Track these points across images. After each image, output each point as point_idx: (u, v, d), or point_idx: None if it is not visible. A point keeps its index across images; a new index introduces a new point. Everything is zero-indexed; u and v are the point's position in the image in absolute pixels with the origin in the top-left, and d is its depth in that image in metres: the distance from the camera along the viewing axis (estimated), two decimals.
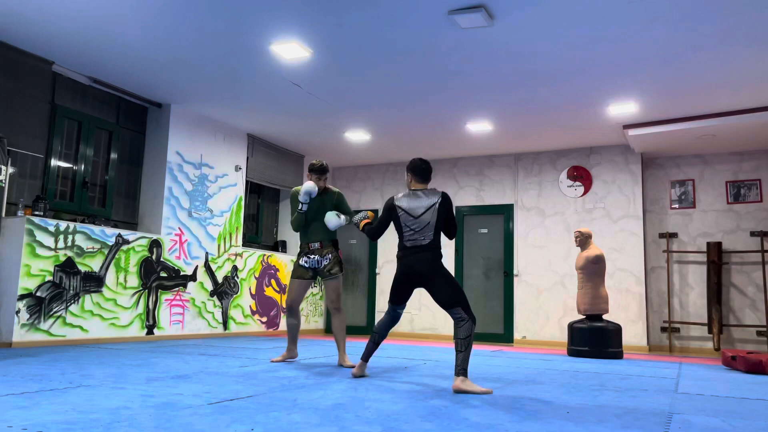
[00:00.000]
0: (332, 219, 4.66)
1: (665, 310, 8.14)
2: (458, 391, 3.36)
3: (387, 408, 2.80)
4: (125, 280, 6.37)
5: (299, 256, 4.79)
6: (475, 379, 4.09)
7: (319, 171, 4.78)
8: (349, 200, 10.04)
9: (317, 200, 4.75)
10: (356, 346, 6.89)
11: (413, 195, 3.80)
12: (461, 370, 3.42)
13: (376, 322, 4.15)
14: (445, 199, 3.75)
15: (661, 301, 8.19)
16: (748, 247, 7.87)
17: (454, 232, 3.83)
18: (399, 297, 3.82)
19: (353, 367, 4.35)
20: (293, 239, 9.34)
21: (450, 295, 3.57)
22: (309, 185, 4.67)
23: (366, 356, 3.95)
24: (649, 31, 4.91)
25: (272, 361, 4.72)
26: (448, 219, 3.77)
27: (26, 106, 5.70)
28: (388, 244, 9.56)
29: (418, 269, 3.66)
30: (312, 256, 4.71)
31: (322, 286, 4.88)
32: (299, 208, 4.70)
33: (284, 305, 4.80)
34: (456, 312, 3.55)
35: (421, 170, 3.86)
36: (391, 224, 4.57)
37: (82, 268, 5.92)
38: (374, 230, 4.04)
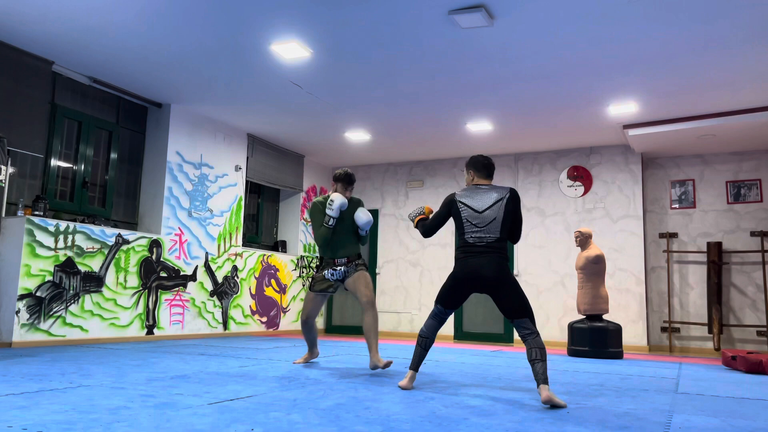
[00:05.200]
0: (362, 216, 4.42)
1: (665, 310, 8.14)
2: (549, 401, 2.99)
3: (387, 408, 2.80)
4: (125, 280, 6.37)
5: (322, 269, 4.54)
6: (475, 379, 4.09)
7: (347, 180, 4.51)
8: None
9: (343, 212, 4.51)
10: (355, 346, 6.89)
11: (476, 189, 3.51)
12: (545, 379, 3.11)
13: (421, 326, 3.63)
14: (514, 195, 3.45)
15: (661, 301, 8.19)
16: (748, 247, 7.87)
17: (519, 234, 3.54)
18: (455, 301, 3.45)
19: (387, 365, 4.11)
20: (293, 239, 9.34)
21: (520, 304, 3.26)
22: (340, 199, 4.35)
23: (417, 365, 3.56)
24: (649, 31, 4.91)
25: (295, 363, 4.64)
26: (516, 218, 3.49)
27: (26, 106, 5.70)
28: (388, 243, 9.56)
29: (486, 274, 3.30)
30: (338, 268, 4.48)
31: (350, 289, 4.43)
32: (326, 221, 4.39)
33: (301, 319, 4.69)
34: (524, 323, 3.25)
35: (483, 165, 3.58)
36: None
37: (82, 268, 5.92)
38: (429, 226, 3.71)
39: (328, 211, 4.35)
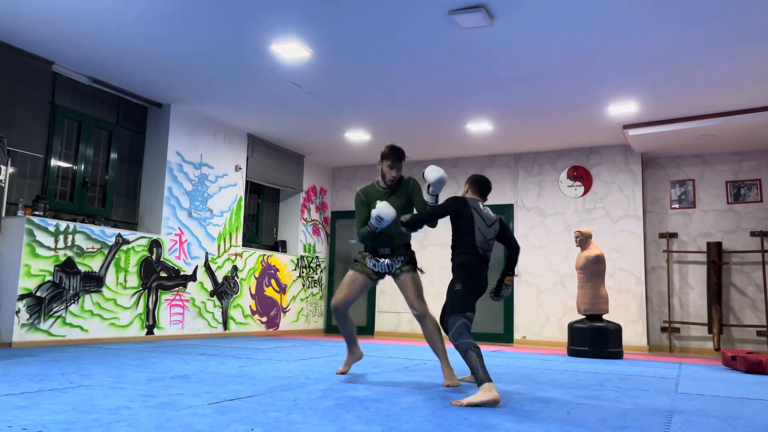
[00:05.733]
0: (433, 173, 3.67)
1: (665, 310, 8.14)
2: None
3: (387, 408, 2.80)
4: (125, 280, 6.37)
5: (365, 257, 3.97)
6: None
7: (393, 157, 3.83)
8: (349, 200, 10.04)
9: (388, 200, 3.87)
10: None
11: (480, 204, 3.62)
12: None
13: (443, 332, 3.68)
14: (502, 222, 3.72)
15: (661, 301, 8.19)
16: (748, 247, 7.87)
17: (517, 244, 3.79)
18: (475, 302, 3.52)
19: (458, 385, 3.66)
20: (293, 239, 9.34)
21: None
22: (386, 211, 3.66)
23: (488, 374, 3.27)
24: (649, 31, 4.90)
25: (338, 373, 4.03)
26: (510, 235, 3.74)
27: (26, 106, 5.70)
28: None
29: (486, 287, 3.53)
30: (381, 260, 3.90)
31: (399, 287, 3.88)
32: (370, 227, 3.78)
33: (332, 306, 4.03)
34: None
35: (480, 183, 3.75)
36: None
37: (82, 268, 5.92)
38: (434, 215, 3.59)
39: (374, 223, 3.72)
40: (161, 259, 6.84)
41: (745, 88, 6.10)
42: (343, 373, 4.07)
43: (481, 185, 3.75)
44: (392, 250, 3.89)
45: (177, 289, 7.02)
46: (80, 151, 6.46)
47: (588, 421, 2.65)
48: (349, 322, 4.05)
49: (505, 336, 8.63)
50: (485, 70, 5.81)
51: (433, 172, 3.67)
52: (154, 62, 5.89)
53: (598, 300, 6.48)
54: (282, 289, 8.85)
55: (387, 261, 3.89)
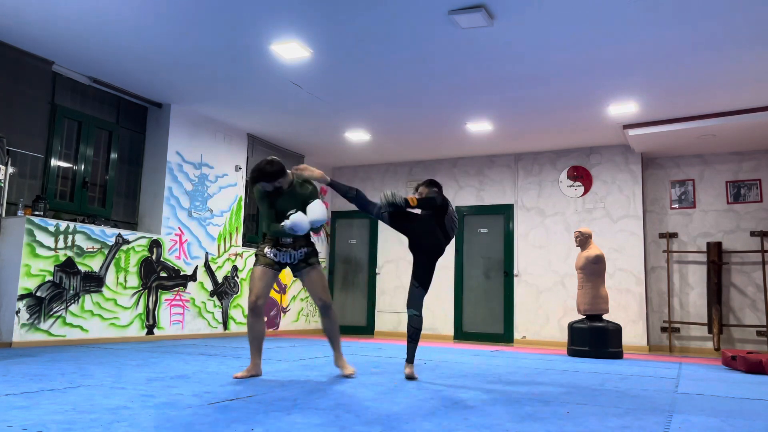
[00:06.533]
0: (317, 210, 3.85)
1: (665, 310, 8.14)
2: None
3: (387, 408, 2.80)
4: (125, 280, 6.37)
5: (264, 246, 3.99)
6: (475, 379, 4.09)
7: (269, 176, 3.88)
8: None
9: (287, 195, 3.96)
10: (354, 346, 6.89)
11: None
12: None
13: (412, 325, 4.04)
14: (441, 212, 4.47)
15: (661, 301, 8.19)
16: (748, 247, 7.87)
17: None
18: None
19: (350, 375, 3.98)
20: None
21: None
22: (302, 226, 3.78)
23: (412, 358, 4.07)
24: (650, 31, 4.91)
25: (236, 377, 3.70)
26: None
27: (26, 106, 5.70)
28: (388, 244, 9.55)
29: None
30: (284, 250, 3.96)
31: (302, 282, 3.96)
32: (284, 229, 3.84)
33: (250, 304, 3.87)
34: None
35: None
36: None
37: (82, 268, 5.92)
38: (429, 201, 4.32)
39: (289, 232, 3.79)
40: (161, 259, 6.84)
41: (745, 88, 6.10)
42: (240, 377, 3.73)
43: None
44: (294, 239, 3.99)
45: (177, 289, 7.02)
46: (80, 151, 6.46)
47: (588, 421, 2.65)
48: (263, 325, 3.92)
49: (505, 336, 8.63)
50: (485, 70, 5.81)
51: (321, 213, 3.86)
52: (154, 62, 5.90)
53: (598, 300, 6.48)
54: (282, 289, 8.85)
55: (290, 250, 4.00)
